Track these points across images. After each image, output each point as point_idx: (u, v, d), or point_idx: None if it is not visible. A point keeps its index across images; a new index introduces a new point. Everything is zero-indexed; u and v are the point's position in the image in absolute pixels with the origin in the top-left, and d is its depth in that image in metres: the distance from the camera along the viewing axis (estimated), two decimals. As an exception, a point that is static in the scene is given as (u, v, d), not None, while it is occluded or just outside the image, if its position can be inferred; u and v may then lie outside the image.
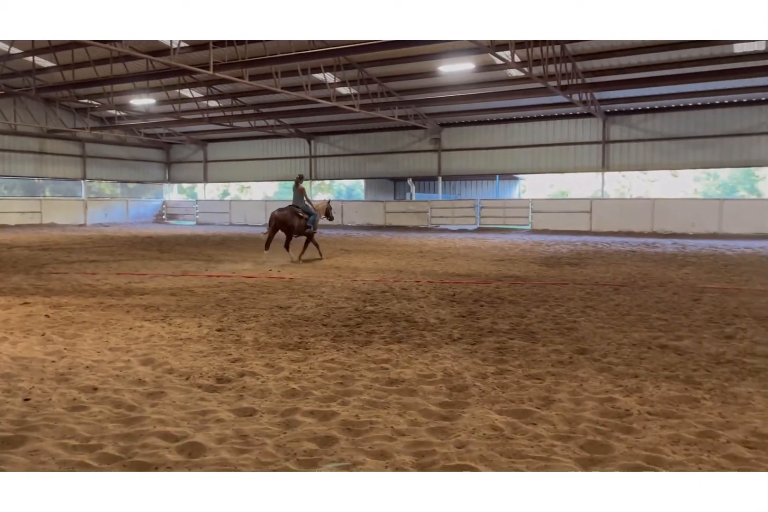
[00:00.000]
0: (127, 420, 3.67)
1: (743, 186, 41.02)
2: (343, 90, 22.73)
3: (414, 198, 29.77)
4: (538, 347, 5.51)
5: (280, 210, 12.77)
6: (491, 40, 14.54)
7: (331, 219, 14.12)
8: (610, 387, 4.35)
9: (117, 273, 10.68)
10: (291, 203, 13.10)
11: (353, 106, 21.56)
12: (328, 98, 20.83)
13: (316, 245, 13.41)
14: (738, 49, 17.95)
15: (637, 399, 4.08)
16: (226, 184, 40.95)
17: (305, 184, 17.31)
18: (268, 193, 50.04)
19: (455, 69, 19.93)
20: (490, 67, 19.83)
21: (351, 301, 7.90)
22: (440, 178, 28.27)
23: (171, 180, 36.67)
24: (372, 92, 22.37)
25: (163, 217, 34.88)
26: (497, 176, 31.48)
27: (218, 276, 10.31)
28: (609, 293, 8.64)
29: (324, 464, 3.08)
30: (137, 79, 21.08)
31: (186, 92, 24.84)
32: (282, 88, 19.34)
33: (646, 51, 18.45)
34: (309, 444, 3.34)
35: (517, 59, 16.41)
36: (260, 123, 28.36)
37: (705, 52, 18.27)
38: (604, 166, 24.26)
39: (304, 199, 13.10)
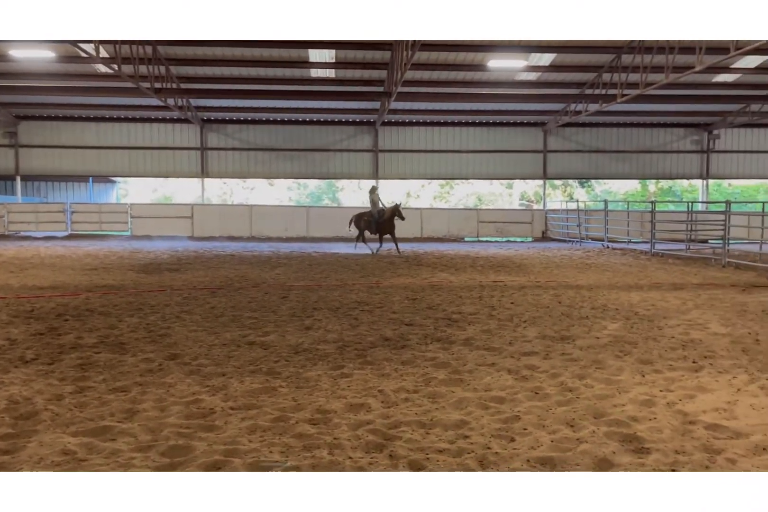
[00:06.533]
0: None
1: (327, 195, 46.86)
2: None
3: (-14, 200, 25.27)
4: (127, 358, 5.24)
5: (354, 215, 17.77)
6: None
7: (402, 219, 16.72)
8: (197, 388, 4.39)
9: None
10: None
11: None
12: None
13: (395, 242, 16.90)
14: (314, 73, 20.44)
15: (222, 396, 4.22)
16: None
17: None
18: None
19: (31, 55, 17.68)
20: (75, 58, 18.15)
21: None
22: (19, 178, 24.68)
23: None
24: None
25: None
26: (90, 178, 29.09)
27: None
28: (206, 297, 8.79)
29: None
30: None
31: None
32: None
33: (239, 64, 19.47)
34: None
35: (104, 54, 15.43)
36: None
37: (288, 72, 20.26)
38: (204, 173, 24.72)
39: (379, 204, 17.17)
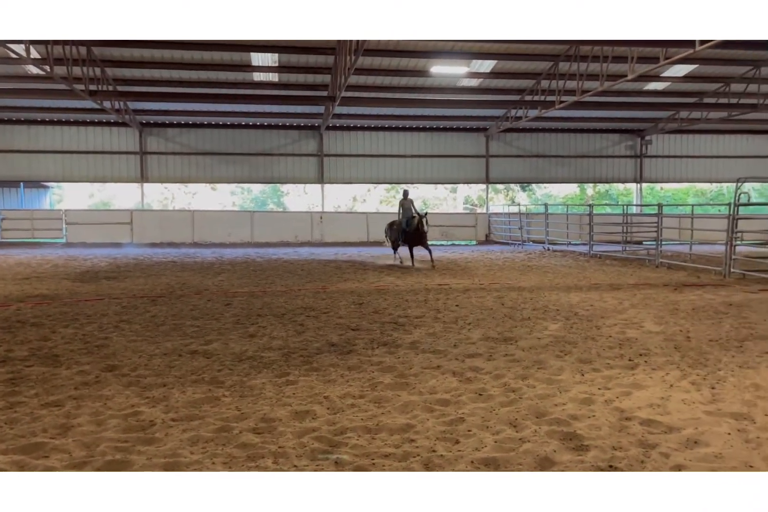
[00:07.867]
0: None
1: (272, 200, 46.33)
2: None
3: None
4: (61, 371, 5.03)
5: None
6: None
7: (424, 230, 14.81)
8: (136, 400, 4.26)
9: None
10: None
11: None
12: None
13: (422, 254, 15.08)
14: (257, 77, 20.19)
15: (162, 407, 4.10)
16: None
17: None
18: None
19: (-44, 55, 16.78)
20: (4, 59, 17.35)
21: None
22: (-55, 184, 23.46)
23: None
24: None
25: None
26: (21, 183, 27.86)
27: None
28: (146, 305, 8.54)
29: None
30: None
31: None
32: None
33: (179, 67, 19.05)
34: None
35: (35, 55, 14.85)
36: None
37: (230, 76, 19.95)
38: (143, 177, 24.05)
39: (411, 211, 15.01)
